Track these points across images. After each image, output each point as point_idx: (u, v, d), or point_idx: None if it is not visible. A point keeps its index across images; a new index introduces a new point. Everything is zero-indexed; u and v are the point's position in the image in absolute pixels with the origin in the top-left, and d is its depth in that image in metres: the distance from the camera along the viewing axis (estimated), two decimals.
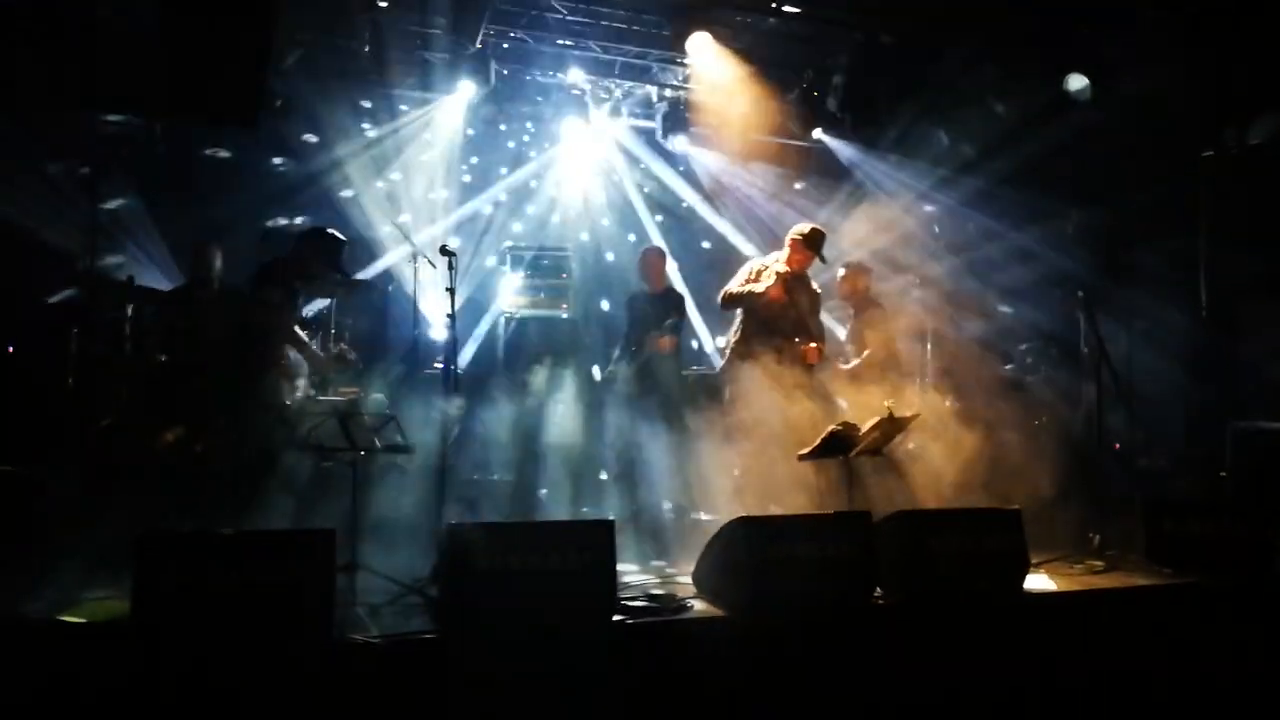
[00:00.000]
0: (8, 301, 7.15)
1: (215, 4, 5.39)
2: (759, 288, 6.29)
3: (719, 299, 6.56)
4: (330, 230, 6.30)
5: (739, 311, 6.51)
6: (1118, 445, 7.22)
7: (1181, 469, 7.39)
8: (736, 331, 6.48)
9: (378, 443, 5.00)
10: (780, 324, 6.30)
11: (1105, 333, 6.51)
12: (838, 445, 5.37)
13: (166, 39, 5.93)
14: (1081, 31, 7.82)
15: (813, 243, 6.34)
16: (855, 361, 6.97)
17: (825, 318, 7.06)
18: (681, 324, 7.47)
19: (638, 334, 7.30)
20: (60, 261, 7.62)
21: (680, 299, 7.66)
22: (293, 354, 6.13)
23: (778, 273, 6.31)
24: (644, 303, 7.45)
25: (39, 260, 7.65)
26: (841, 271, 7.30)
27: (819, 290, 6.67)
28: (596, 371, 8.07)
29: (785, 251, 6.43)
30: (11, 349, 6.64)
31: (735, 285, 6.47)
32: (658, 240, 10.12)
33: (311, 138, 8.94)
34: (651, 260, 7.61)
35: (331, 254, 6.14)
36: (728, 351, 6.53)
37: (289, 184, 9.13)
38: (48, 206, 7.69)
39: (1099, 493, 6.39)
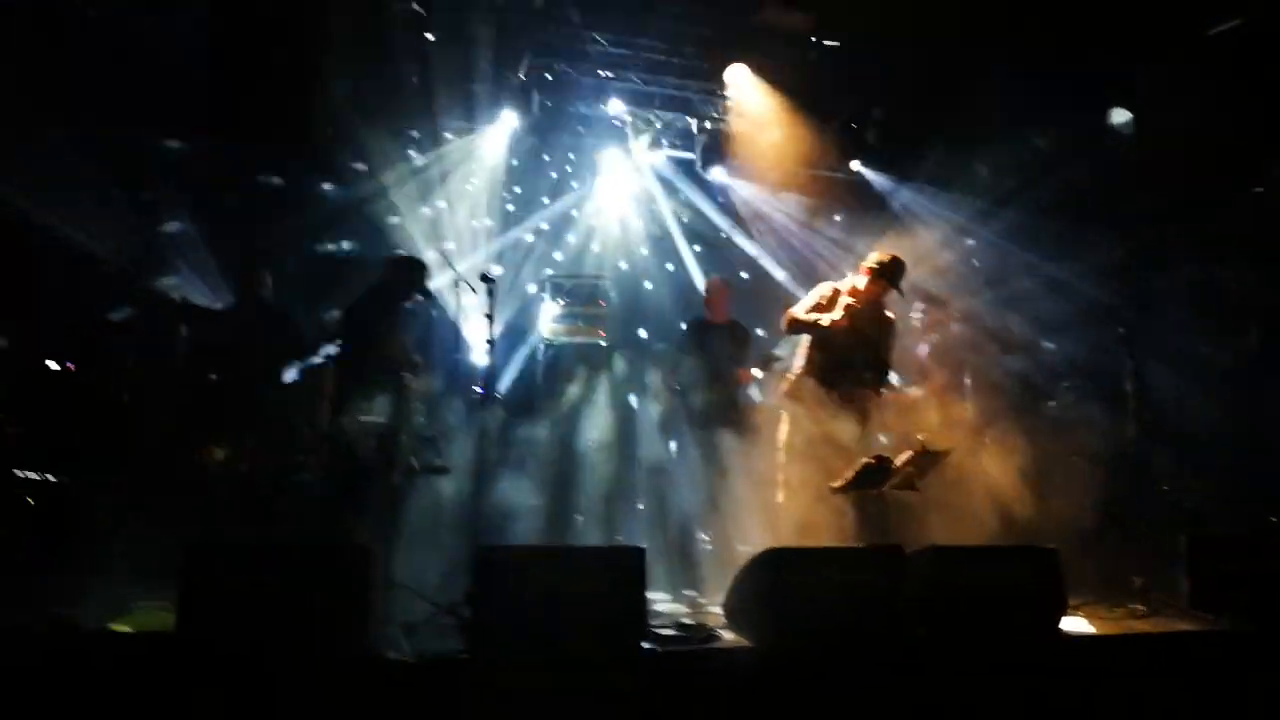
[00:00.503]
0: (68, 319, 7.38)
1: (269, 36, 5.58)
2: (825, 319, 5.92)
3: (783, 321, 6.18)
4: (415, 256, 6.67)
5: (804, 338, 6.16)
6: (1165, 486, 7.08)
7: (1228, 510, 7.22)
8: (801, 358, 6.13)
9: (416, 463, 5.08)
10: (846, 354, 5.94)
11: (1148, 369, 6.42)
12: (872, 478, 5.36)
13: (222, 67, 6.15)
14: (1122, 64, 7.79)
15: (887, 273, 5.92)
16: (918, 390, 6.97)
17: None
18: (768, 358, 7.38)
19: (708, 365, 7.12)
20: (118, 281, 7.88)
21: (746, 334, 7.50)
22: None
23: (846, 304, 5.90)
24: (707, 334, 7.31)
25: (98, 279, 7.92)
26: (921, 305, 7.35)
27: (893, 318, 6.28)
28: (634, 399, 8.13)
29: (859, 279, 6.06)
30: (69, 364, 6.85)
31: (802, 310, 6.09)
32: (694, 271, 10.21)
33: (360, 165, 9.17)
34: (718, 290, 7.51)
35: (419, 278, 6.42)
36: (790, 377, 6.16)
37: (337, 210, 9.37)
38: (109, 228, 7.96)
39: (1141, 533, 6.27)
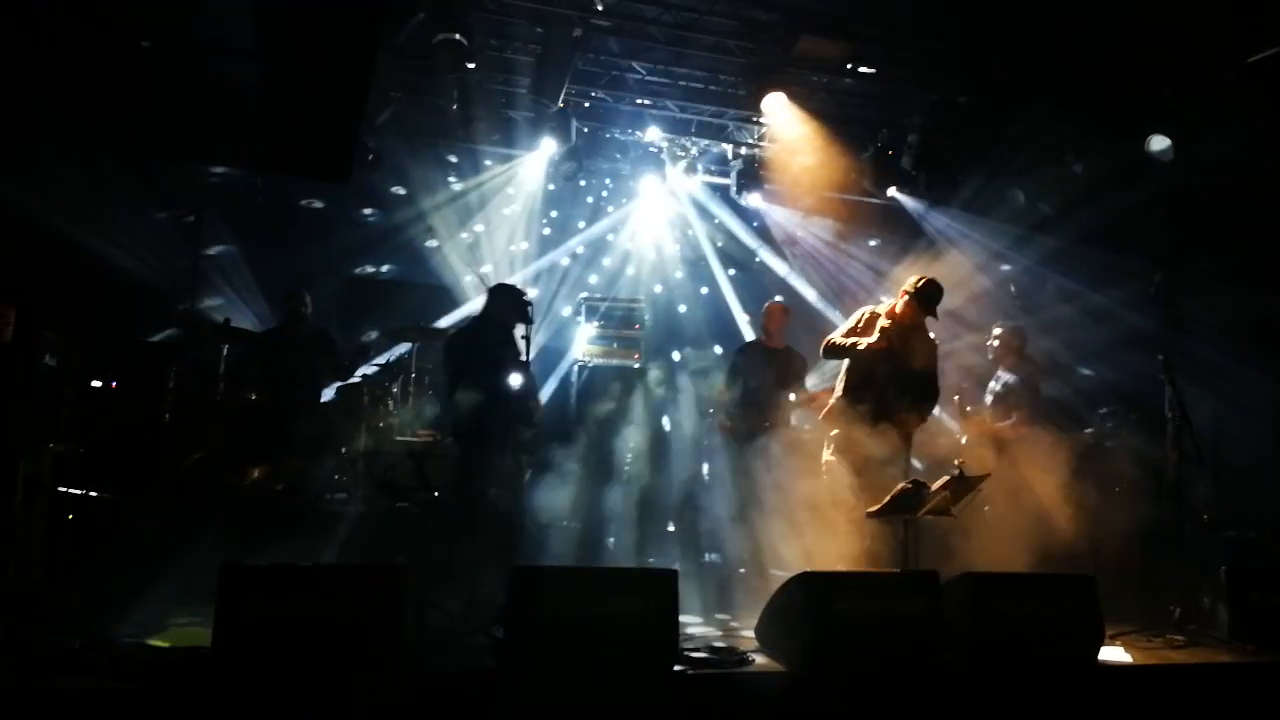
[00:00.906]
0: (114, 339, 7.54)
1: (316, 66, 5.71)
2: (862, 343, 5.86)
3: (821, 348, 6.15)
4: (515, 285, 6.57)
5: (843, 363, 6.11)
6: (1205, 516, 6.97)
7: (1270, 540, 7.08)
8: (840, 383, 6.07)
9: (451, 484, 5.13)
10: (884, 379, 5.86)
11: (1189, 398, 6.34)
12: (907, 503, 5.32)
13: (269, 97, 6.28)
14: (1162, 92, 7.74)
15: (924, 298, 5.88)
16: (1011, 421, 6.96)
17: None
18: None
19: (755, 390, 7.11)
20: (163, 302, 8.08)
21: (803, 362, 7.42)
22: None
23: (883, 327, 5.89)
24: (760, 359, 7.28)
25: (144, 300, 8.12)
26: (996, 332, 7.34)
27: (937, 342, 6.21)
28: (666, 421, 8.15)
29: (896, 303, 6.01)
30: (115, 384, 6.98)
31: (840, 335, 6.05)
32: (729, 294, 10.24)
33: (400, 190, 9.36)
34: (775, 314, 7.45)
35: (523, 305, 6.27)
36: (830, 403, 6.10)
37: (377, 234, 9.56)
38: (154, 250, 8.17)
39: (1181, 563, 6.16)
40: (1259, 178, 7.67)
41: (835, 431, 5.94)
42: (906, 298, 5.94)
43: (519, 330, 6.06)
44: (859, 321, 6.06)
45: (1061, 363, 8.18)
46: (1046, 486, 6.22)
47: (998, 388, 7.29)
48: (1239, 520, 7.31)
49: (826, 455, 5.95)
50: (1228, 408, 7.74)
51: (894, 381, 5.86)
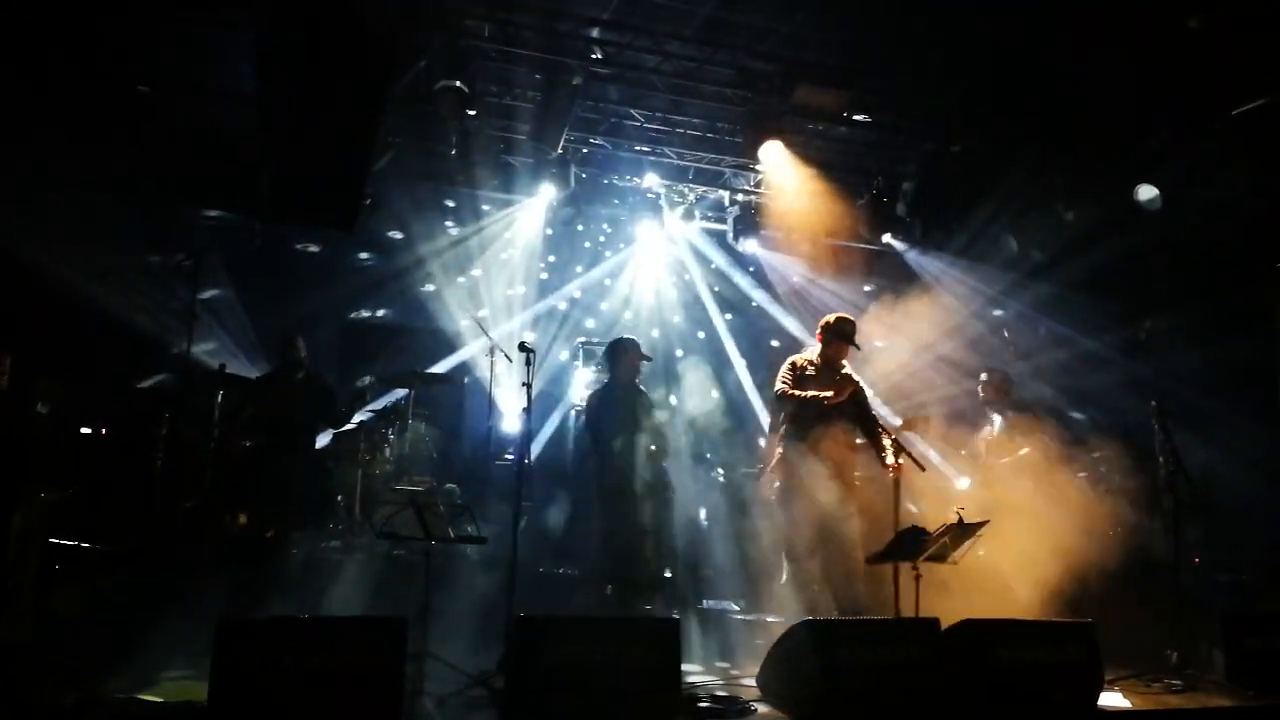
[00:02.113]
0: (107, 385, 7.49)
1: (319, 115, 5.79)
2: (827, 394, 5.92)
3: (782, 400, 6.17)
4: (630, 336, 6.88)
5: (781, 415, 6.27)
6: (1197, 560, 6.98)
7: (1264, 584, 7.10)
8: (781, 431, 6.20)
9: (451, 532, 5.11)
10: (824, 423, 5.94)
11: (1182, 442, 6.38)
12: (906, 549, 5.32)
13: (271, 145, 6.34)
14: (1150, 142, 7.89)
15: (839, 332, 6.07)
16: (1006, 459, 7.03)
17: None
18: None
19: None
20: (157, 347, 8.02)
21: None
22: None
23: (842, 377, 5.98)
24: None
25: (137, 346, 8.06)
26: (984, 377, 7.52)
27: (857, 379, 6.24)
28: (666, 467, 8.13)
29: (815, 347, 6.21)
30: (105, 430, 6.92)
31: (792, 385, 6.08)
32: (726, 338, 10.28)
33: (397, 234, 9.38)
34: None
35: (637, 353, 6.60)
36: (773, 462, 6.27)
37: (375, 278, 9.56)
38: (148, 295, 8.13)
39: (1177, 608, 6.17)
40: (1245, 226, 7.78)
41: (777, 484, 6.10)
42: (824, 336, 6.13)
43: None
44: (792, 374, 6.14)
45: (1054, 407, 8.21)
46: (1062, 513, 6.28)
47: (995, 430, 7.34)
48: (1232, 564, 7.33)
49: (777, 508, 6.10)
50: (1219, 452, 7.76)
51: (833, 423, 5.94)
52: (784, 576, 5.98)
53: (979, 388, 7.58)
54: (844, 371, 6.13)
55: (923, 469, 5.83)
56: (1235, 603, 6.58)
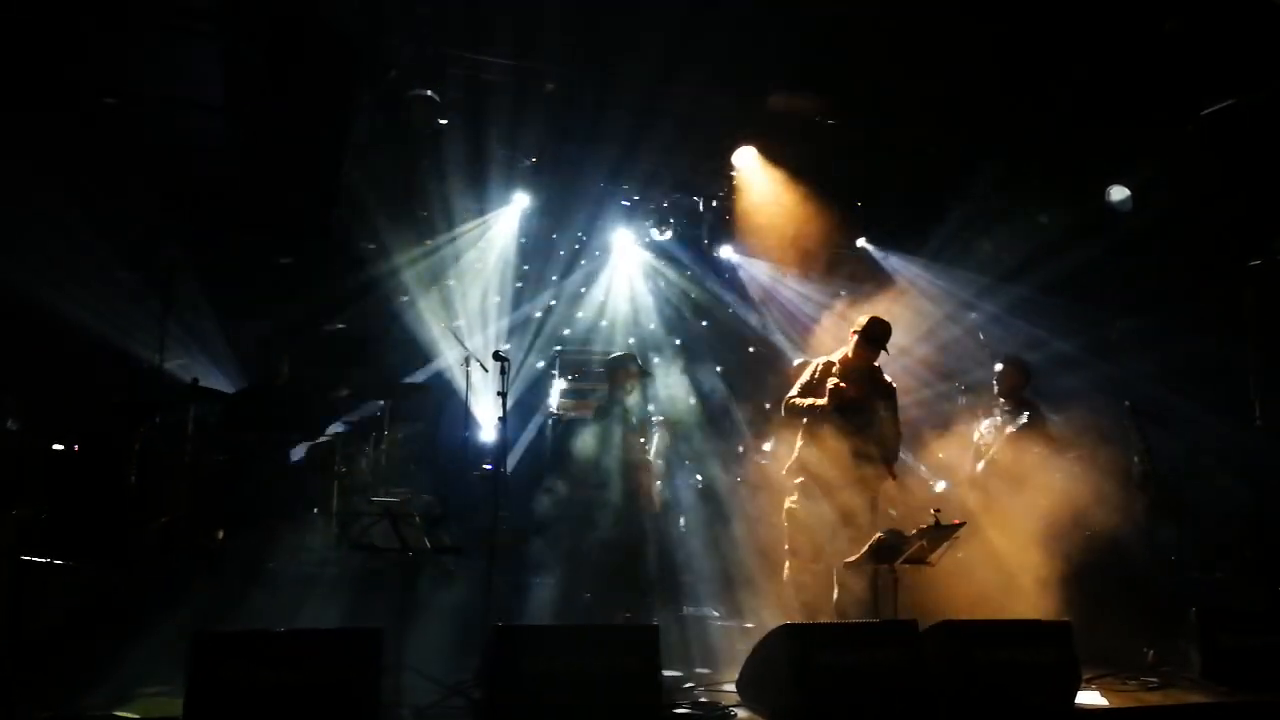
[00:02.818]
0: (76, 400, 7.40)
1: (289, 125, 5.75)
2: (819, 403, 5.89)
3: (782, 408, 6.18)
4: (627, 353, 7.16)
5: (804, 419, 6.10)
6: (1172, 558, 7.04)
7: (1238, 581, 7.18)
8: (801, 437, 6.04)
9: (428, 543, 5.08)
10: (847, 426, 5.83)
11: (1155, 442, 6.46)
12: (885, 552, 5.34)
13: (241, 156, 6.31)
14: (1122, 143, 7.97)
15: (872, 336, 5.95)
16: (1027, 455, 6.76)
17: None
18: None
19: None
20: (128, 362, 7.94)
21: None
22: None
23: (835, 381, 5.90)
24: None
25: (107, 360, 7.98)
26: (999, 367, 7.20)
27: (893, 383, 6.24)
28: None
29: (848, 346, 6.06)
30: (76, 446, 6.84)
31: (797, 394, 6.07)
32: (702, 345, 10.29)
33: (371, 245, 9.32)
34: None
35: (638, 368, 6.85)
36: (793, 458, 6.08)
37: (348, 290, 9.48)
38: (119, 309, 8.05)
39: (1152, 606, 6.23)
40: (1214, 226, 7.89)
41: (799, 480, 5.97)
42: (855, 339, 6.00)
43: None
44: (813, 375, 6.09)
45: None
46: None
47: (1018, 422, 6.94)
48: (1206, 561, 7.41)
49: (789, 504, 5.97)
50: (1191, 452, 7.85)
51: (855, 430, 5.85)
52: (785, 574, 5.93)
53: (994, 380, 7.18)
54: (880, 379, 6.08)
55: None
56: (1210, 600, 6.64)
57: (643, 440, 7.14)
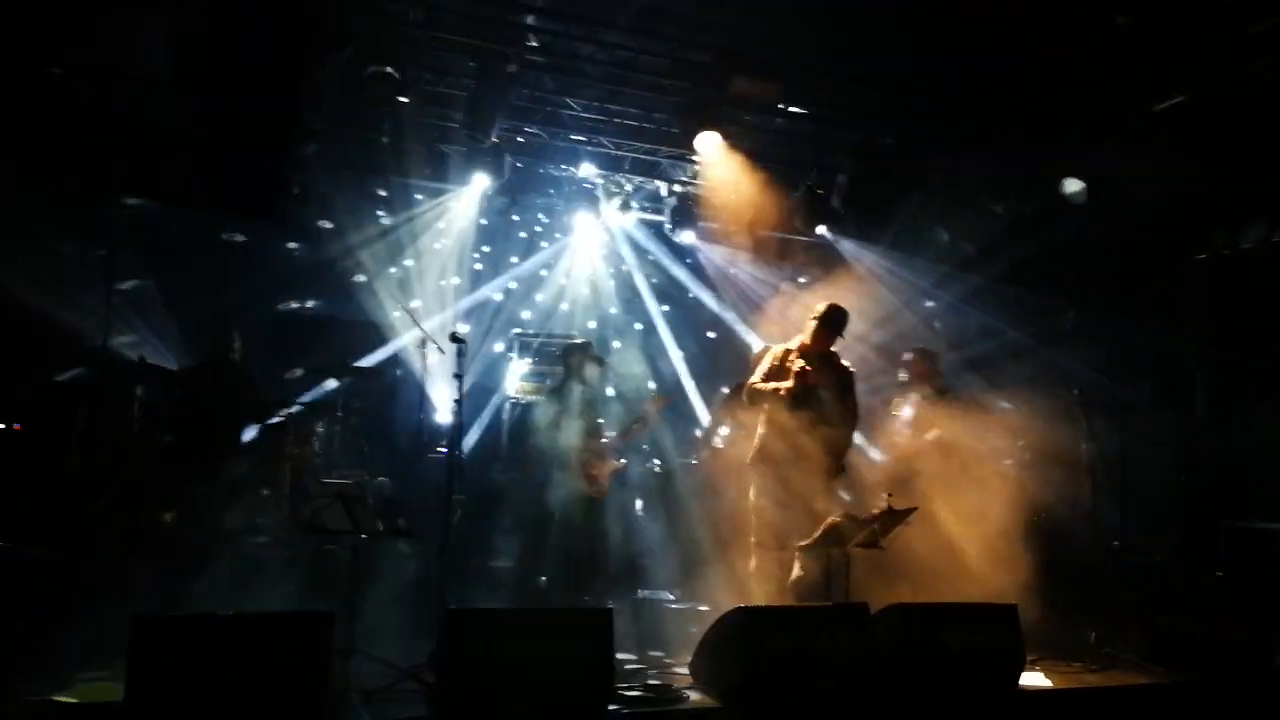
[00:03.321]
0: (17, 379, 7.23)
1: (241, 100, 5.63)
2: (783, 387, 5.94)
3: (744, 394, 6.22)
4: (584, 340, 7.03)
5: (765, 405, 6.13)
6: (1117, 542, 7.19)
7: (1177, 566, 7.37)
8: (762, 425, 6.07)
9: (381, 526, 5.03)
10: (806, 412, 5.88)
11: (1101, 429, 6.58)
12: (837, 536, 5.39)
13: (195, 132, 6.17)
14: (1075, 136, 8.07)
15: (831, 321, 6.06)
16: (921, 437, 6.93)
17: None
18: None
19: None
20: (72, 340, 7.74)
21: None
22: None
23: (798, 366, 5.95)
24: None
25: (50, 338, 7.77)
26: (908, 356, 7.34)
27: (851, 369, 6.34)
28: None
29: (806, 333, 6.14)
30: (19, 426, 6.68)
31: (759, 379, 6.11)
32: (663, 330, 10.30)
33: (327, 224, 9.17)
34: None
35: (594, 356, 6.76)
36: (754, 447, 6.09)
37: (303, 269, 9.34)
38: (61, 286, 7.84)
39: (1096, 588, 6.37)
40: (1162, 220, 8.03)
41: (761, 469, 5.99)
42: (814, 324, 6.08)
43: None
44: (774, 363, 6.12)
45: (982, 396, 8.38)
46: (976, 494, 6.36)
47: (909, 410, 7.23)
48: (1148, 546, 7.57)
49: (753, 495, 5.99)
50: (1135, 438, 8.01)
51: (814, 416, 5.90)
52: (751, 565, 5.95)
53: (900, 368, 7.38)
54: (837, 364, 6.15)
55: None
56: (1151, 583, 6.80)
57: (601, 422, 7.15)
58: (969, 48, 7.21)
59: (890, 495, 5.46)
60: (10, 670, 4.35)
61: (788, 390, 5.92)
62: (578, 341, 7.19)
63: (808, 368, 5.95)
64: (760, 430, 6.08)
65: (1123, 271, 8.43)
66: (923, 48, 7.26)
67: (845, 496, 6.44)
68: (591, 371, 6.89)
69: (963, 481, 6.50)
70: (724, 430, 7.46)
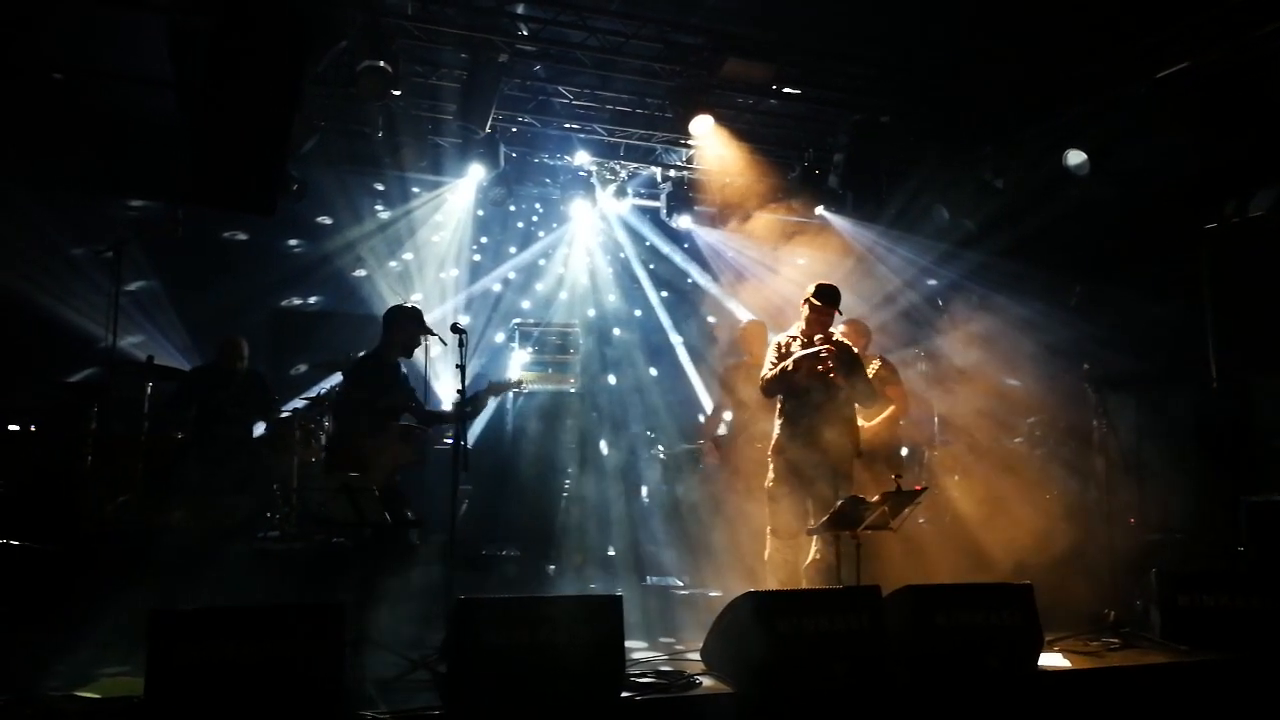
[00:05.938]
0: (30, 380, 7.30)
1: (237, 97, 5.61)
2: (790, 364, 5.85)
3: (761, 389, 6.10)
4: (409, 304, 6.37)
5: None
6: (1132, 520, 7.15)
7: (1195, 543, 7.30)
8: (779, 414, 6.03)
9: (387, 517, 5.03)
10: (817, 397, 5.84)
11: (1114, 405, 6.51)
12: (847, 519, 5.36)
13: (189, 129, 6.16)
14: (1077, 108, 8.00)
15: (823, 299, 5.96)
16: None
17: None
18: None
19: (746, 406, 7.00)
20: (82, 341, 7.82)
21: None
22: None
23: (798, 352, 5.89)
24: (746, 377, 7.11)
25: (61, 340, 7.85)
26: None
27: (853, 346, 6.28)
28: (604, 445, 8.12)
29: (801, 321, 6.07)
30: (33, 427, 6.75)
31: (769, 370, 6.04)
32: (663, 316, 10.28)
33: (326, 220, 9.20)
34: (754, 333, 7.38)
35: (420, 320, 6.12)
36: (774, 433, 6.02)
37: (304, 265, 9.38)
38: (71, 288, 7.92)
39: (1112, 567, 6.32)
40: (1170, 189, 7.94)
41: (777, 457, 5.94)
42: (807, 307, 6.00)
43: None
44: (778, 355, 6.06)
45: (989, 374, 8.33)
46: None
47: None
48: (1164, 524, 7.52)
49: (768, 483, 5.96)
50: (1148, 413, 7.95)
51: (825, 400, 5.85)
52: (766, 553, 5.93)
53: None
54: (841, 342, 6.06)
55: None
56: (1168, 561, 6.74)
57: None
58: (965, 20, 7.14)
59: (899, 477, 5.42)
60: (32, 666, 4.40)
61: (794, 363, 5.83)
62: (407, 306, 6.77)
63: (822, 354, 5.83)
64: (777, 420, 6.04)
65: (1130, 243, 8.33)
66: (917, 22, 7.20)
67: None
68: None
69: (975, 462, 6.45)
70: (727, 416, 7.44)
